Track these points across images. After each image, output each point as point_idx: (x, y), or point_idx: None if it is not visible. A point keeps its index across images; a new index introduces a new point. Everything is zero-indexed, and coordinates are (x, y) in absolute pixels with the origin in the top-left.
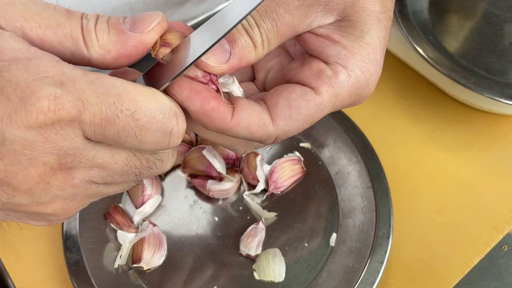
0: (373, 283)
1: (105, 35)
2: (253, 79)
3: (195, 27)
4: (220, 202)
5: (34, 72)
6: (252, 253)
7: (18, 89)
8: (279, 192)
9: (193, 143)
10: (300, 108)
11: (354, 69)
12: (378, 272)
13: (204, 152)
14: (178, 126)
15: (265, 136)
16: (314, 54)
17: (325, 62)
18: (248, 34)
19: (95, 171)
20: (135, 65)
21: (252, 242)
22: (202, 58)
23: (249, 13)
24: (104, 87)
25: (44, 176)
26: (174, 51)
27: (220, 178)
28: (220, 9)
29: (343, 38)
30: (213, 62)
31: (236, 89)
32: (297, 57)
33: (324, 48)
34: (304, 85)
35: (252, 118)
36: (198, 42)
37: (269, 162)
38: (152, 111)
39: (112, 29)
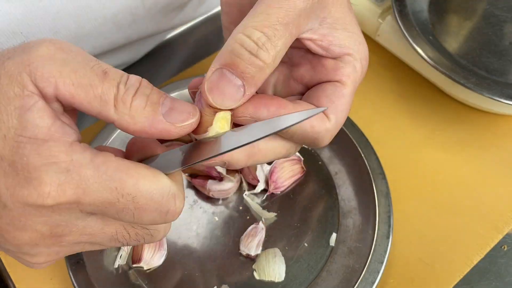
0: (373, 283)
1: (140, 109)
2: None
3: (194, 28)
4: (220, 202)
5: (45, 156)
6: (252, 253)
7: (26, 169)
8: (279, 192)
9: None
10: (340, 99)
11: (355, 55)
12: (378, 272)
13: None
14: (175, 206)
15: (323, 131)
16: (321, 53)
17: (333, 58)
18: (257, 57)
19: (83, 237)
20: None
21: (252, 242)
22: (215, 102)
23: (272, 134)
24: (108, 173)
25: (34, 240)
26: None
27: (220, 178)
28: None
29: (336, 34)
30: (230, 103)
31: None
32: (298, 61)
33: (328, 48)
34: (327, 81)
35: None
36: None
37: (269, 162)
38: (151, 194)
39: (149, 106)
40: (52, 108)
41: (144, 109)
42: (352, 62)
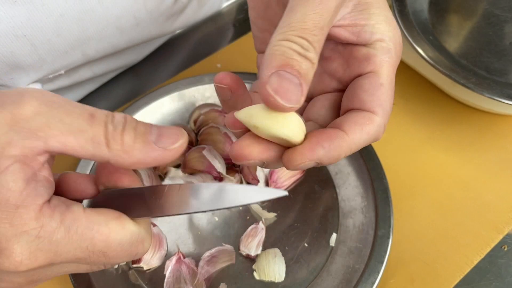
0: (373, 283)
1: (131, 142)
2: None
3: (194, 27)
4: None
5: (15, 225)
6: (252, 253)
7: None
8: None
9: (193, 143)
10: (379, 89)
11: (388, 40)
12: (378, 272)
13: (204, 152)
14: (143, 249)
15: (378, 128)
16: (351, 40)
17: (364, 45)
18: (306, 57)
19: (59, 274)
20: None
21: (252, 242)
22: (283, 102)
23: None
24: (78, 233)
25: (12, 286)
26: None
27: (220, 178)
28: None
29: (368, 18)
30: (294, 102)
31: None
32: (329, 54)
33: (359, 33)
34: (361, 75)
35: (359, 122)
36: (199, 200)
37: None
38: (121, 246)
39: (138, 138)
40: (27, 168)
41: (135, 141)
42: (386, 48)
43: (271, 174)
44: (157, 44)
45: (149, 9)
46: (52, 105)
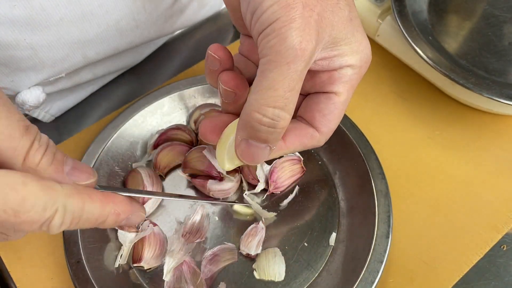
0: (373, 282)
1: (46, 166)
2: None
3: (194, 28)
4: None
5: None
6: (252, 253)
7: None
8: (279, 192)
9: (193, 143)
10: (333, 112)
11: (356, 64)
12: (378, 272)
13: (204, 152)
14: (56, 221)
15: (316, 143)
16: (322, 70)
17: (332, 70)
18: (276, 128)
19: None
20: None
21: (252, 242)
22: (248, 163)
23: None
24: None
25: None
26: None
27: (220, 178)
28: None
29: (338, 49)
30: (260, 161)
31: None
32: None
33: (328, 64)
34: (322, 92)
35: (301, 136)
36: None
37: (269, 162)
38: (35, 208)
39: (54, 164)
40: None
41: (50, 166)
42: (350, 71)
43: (271, 174)
44: (157, 45)
45: (149, 11)
46: None
